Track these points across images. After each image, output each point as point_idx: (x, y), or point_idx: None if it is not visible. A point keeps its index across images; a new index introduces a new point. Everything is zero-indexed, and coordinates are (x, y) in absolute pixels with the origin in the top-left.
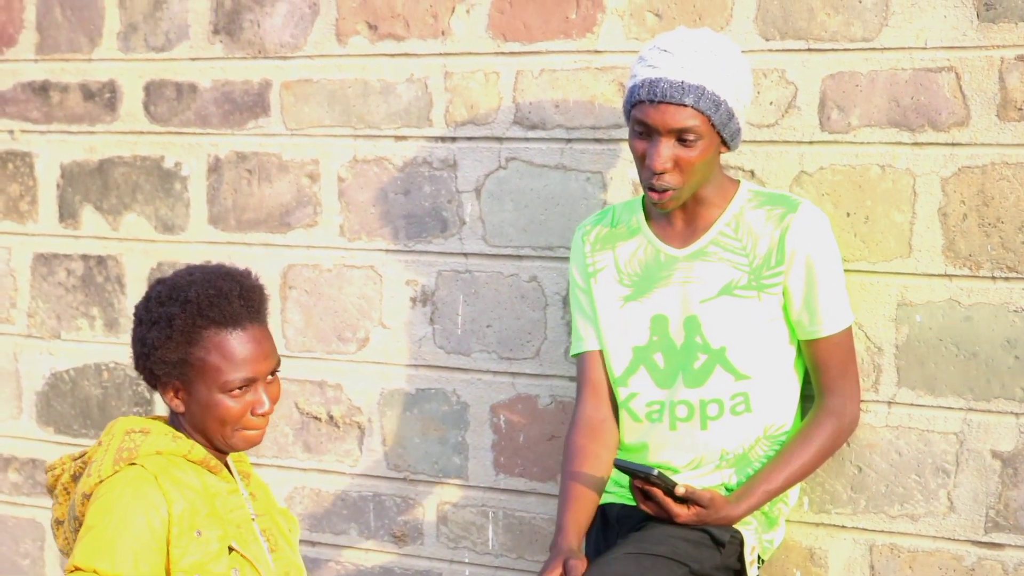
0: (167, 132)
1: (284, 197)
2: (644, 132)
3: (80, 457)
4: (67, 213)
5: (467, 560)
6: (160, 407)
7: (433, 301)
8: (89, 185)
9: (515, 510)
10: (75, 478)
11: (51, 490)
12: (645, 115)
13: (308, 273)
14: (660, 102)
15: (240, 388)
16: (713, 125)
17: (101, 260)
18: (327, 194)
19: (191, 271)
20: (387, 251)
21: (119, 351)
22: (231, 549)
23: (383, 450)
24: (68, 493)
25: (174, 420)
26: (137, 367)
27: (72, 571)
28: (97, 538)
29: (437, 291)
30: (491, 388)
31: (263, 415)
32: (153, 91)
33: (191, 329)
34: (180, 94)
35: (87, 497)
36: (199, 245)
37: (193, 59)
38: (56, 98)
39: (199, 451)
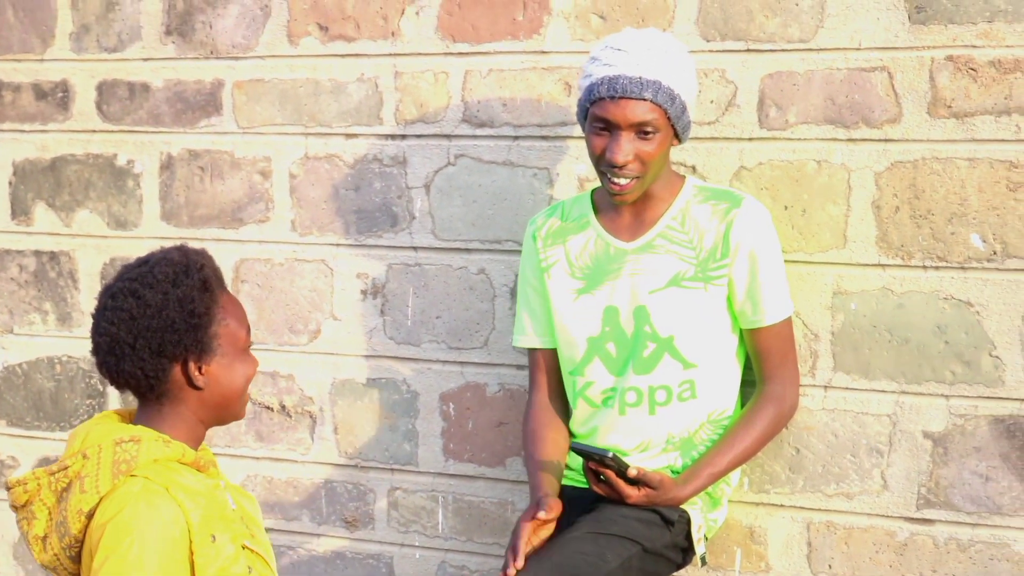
0: (120, 131)
1: (236, 193)
2: (604, 128)
3: (59, 471)
4: (19, 210)
5: (417, 544)
6: (113, 400)
7: (383, 293)
8: (41, 182)
9: (464, 494)
10: (57, 493)
11: (22, 506)
12: (605, 111)
13: (260, 267)
14: (620, 97)
15: (249, 347)
16: (669, 118)
17: (54, 256)
18: (279, 190)
19: (164, 253)
20: (338, 245)
21: (72, 345)
22: (245, 547)
23: (335, 438)
24: (47, 508)
25: (143, 420)
26: (142, 357)
27: None
28: (121, 561)
29: (387, 283)
30: (440, 377)
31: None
32: (106, 90)
33: (212, 300)
34: (133, 93)
35: (86, 515)
36: (152, 240)
37: (145, 59)
38: (8, 97)
39: (190, 453)
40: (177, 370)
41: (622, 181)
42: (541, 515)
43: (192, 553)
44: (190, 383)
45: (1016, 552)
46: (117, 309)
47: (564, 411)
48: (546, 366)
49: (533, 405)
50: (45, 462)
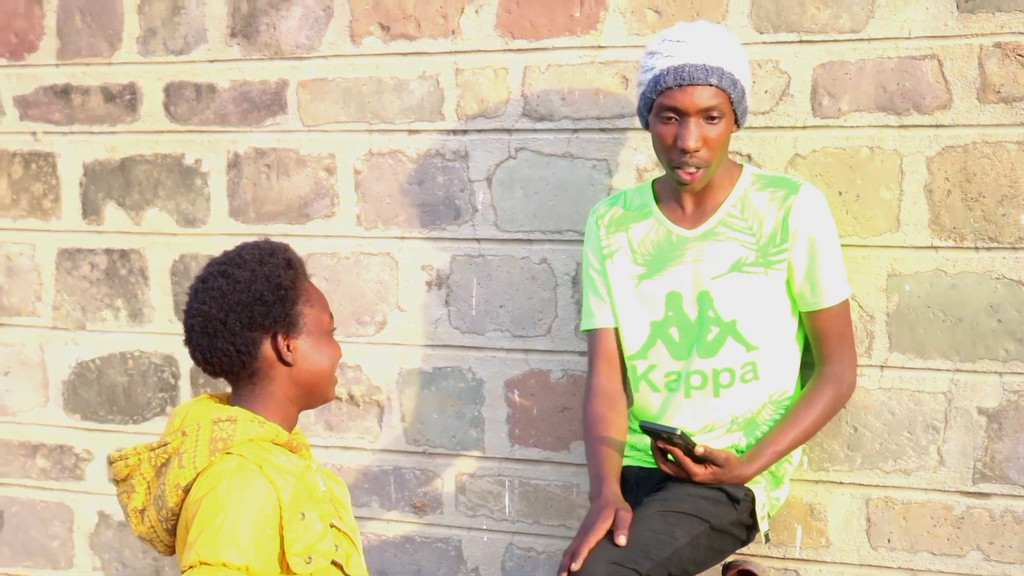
0: (187, 131)
1: (302, 190)
2: (673, 116)
3: (159, 447)
4: (90, 209)
5: (485, 527)
6: (184, 394)
7: (448, 284)
8: (111, 182)
9: (530, 478)
10: (156, 468)
11: (122, 479)
12: (674, 100)
13: (327, 261)
14: (688, 84)
15: (332, 331)
16: (731, 103)
17: (124, 254)
18: (344, 186)
19: (250, 242)
20: (403, 238)
21: (144, 340)
22: (332, 526)
23: (402, 426)
24: (146, 482)
25: (238, 402)
26: (234, 332)
27: (198, 566)
28: (218, 531)
29: (452, 275)
30: (505, 365)
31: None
32: (173, 92)
33: (296, 277)
34: (199, 94)
35: (183, 489)
36: (220, 237)
37: (211, 61)
38: (78, 100)
39: (283, 434)
40: (267, 345)
41: (691, 168)
42: (621, 541)
43: (282, 528)
44: (280, 359)
45: None
46: (208, 290)
47: (624, 394)
48: (609, 349)
49: (592, 389)
50: None
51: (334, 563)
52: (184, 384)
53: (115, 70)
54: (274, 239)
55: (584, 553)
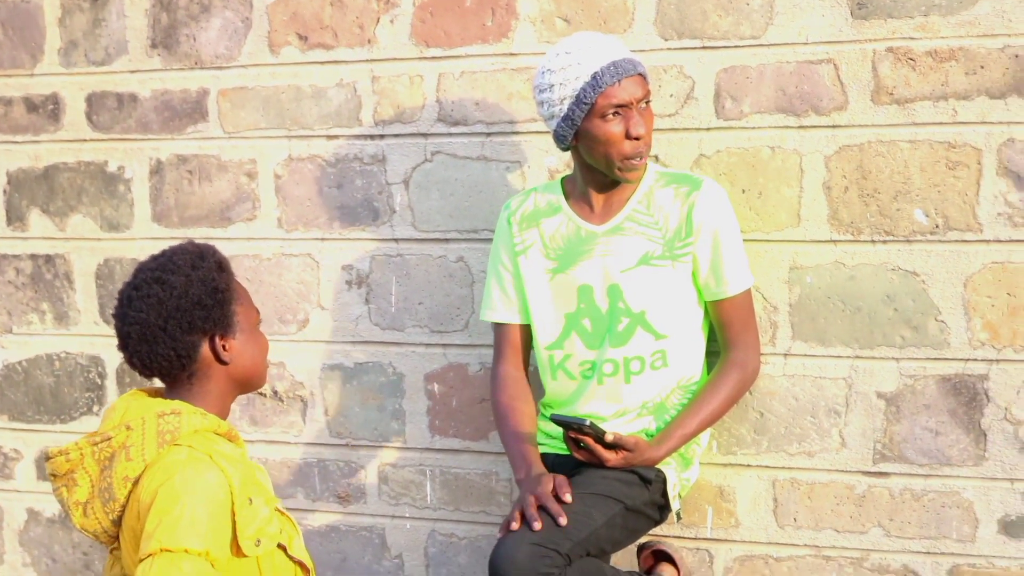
0: (109, 139)
1: (224, 194)
2: (617, 111)
3: (102, 442)
4: (14, 216)
5: (408, 515)
6: (111, 393)
7: (368, 283)
8: (35, 190)
9: (450, 467)
10: (100, 462)
11: (63, 474)
12: (617, 95)
13: (249, 263)
14: (624, 78)
15: (259, 324)
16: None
17: (49, 259)
18: (265, 190)
19: (177, 246)
20: (323, 239)
21: (70, 342)
22: (276, 510)
23: (325, 420)
24: (90, 476)
25: (175, 397)
26: (174, 337)
27: (159, 553)
28: (178, 520)
29: (371, 274)
30: (424, 359)
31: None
32: (95, 101)
33: (228, 279)
34: (121, 103)
35: (132, 481)
36: (144, 241)
37: (132, 71)
38: (0, 111)
39: (225, 424)
40: (205, 347)
41: (638, 158)
42: (568, 498)
43: (234, 514)
44: (218, 359)
45: (965, 499)
46: (144, 297)
47: (527, 383)
48: (512, 340)
49: (501, 376)
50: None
51: (279, 546)
52: (110, 384)
53: (37, 81)
54: (198, 241)
55: (534, 508)
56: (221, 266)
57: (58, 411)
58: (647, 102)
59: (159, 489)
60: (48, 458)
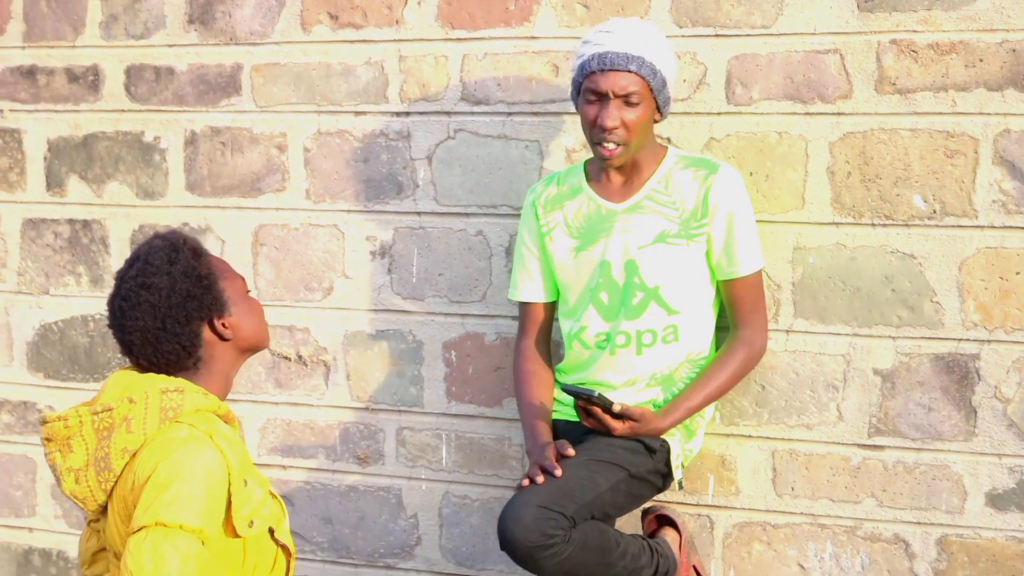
0: (146, 110)
1: (255, 166)
2: (595, 99)
3: (103, 412)
4: (54, 182)
5: (423, 477)
6: None
7: (391, 254)
8: (74, 157)
9: (465, 432)
10: (99, 432)
11: (60, 439)
12: (596, 83)
13: (277, 232)
14: (609, 70)
15: (248, 291)
16: (651, 90)
17: (86, 224)
18: (294, 163)
19: (148, 246)
20: (349, 211)
21: (104, 304)
22: (269, 492)
23: (347, 384)
24: (85, 443)
25: (181, 375)
26: (176, 333)
27: (153, 526)
28: (175, 496)
29: (394, 245)
30: (443, 328)
31: None
32: (133, 74)
33: (207, 262)
34: (158, 76)
35: (130, 453)
36: (177, 209)
37: (170, 46)
38: (43, 80)
39: (224, 405)
40: (206, 330)
41: (610, 146)
42: (570, 452)
43: (229, 495)
44: (220, 338)
45: (955, 472)
46: (135, 307)
47: (549, 356)
48: (536, 317)
49: (523, 350)
50: None
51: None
52: None
53: (79, 53)
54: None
55: (542, 473)
56: (196, 252)
57: (91, 370)
58: (633, 101)
59: (158, 464)
60: (44, 422)
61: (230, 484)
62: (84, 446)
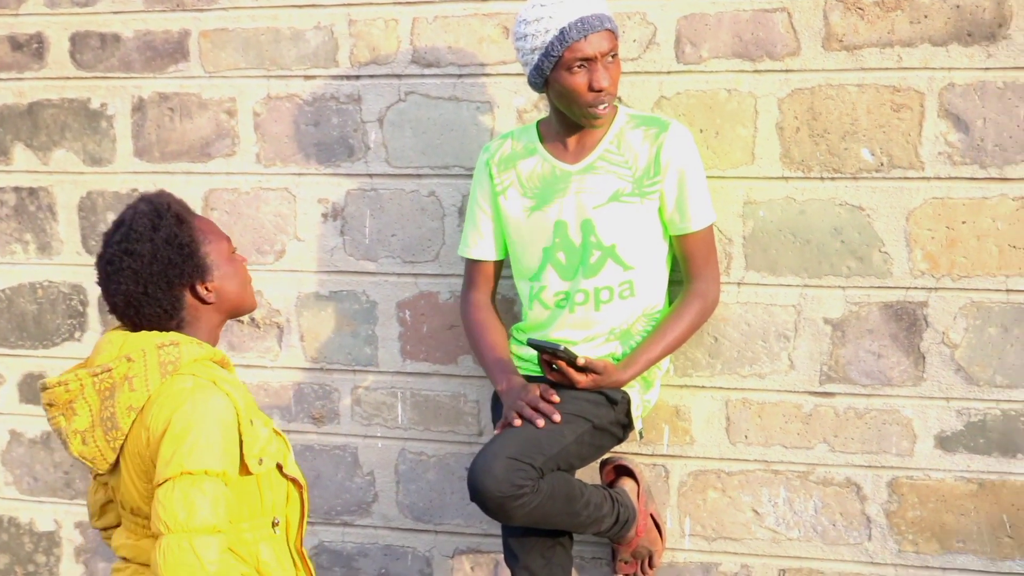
0: (93, 77)
1: (204, 131)
2: (582, 64)
3: (102, 373)
4: None
5: (379, 435)
6: (93, 320)
7: (343, 216)
8: (19, 125)
9: (421, 390)
10: (101, 392)
11: (62, 403)
12: (582, 50)
13: (228, 196)
14: (591, 33)
15: (234, 251)
16: (618, 42)
17: (33, 191)
18: (244, 127)
19: (133, 209)
20: (300, 175)
21: (52, 271)
22: (273, 430)
23: (301, 346)
24: (88, 405)
25: (166, 327)
26: (158, 298)
27: (179, 476)
28: (195, 444)
29: (346, 207)
30: (397, 288)
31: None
32: (78, 41)
33: (190, 228)
34: (104, 43)
35: (136, 410)
36: (125, 175)
37: (116, 12)
38: None
39: (219, 352)
40: (188, 295)
41: (603, 107)
42: (556, 398)
43: (240, 436)
44: (203, 301)
45: (904, 417)
46: (119, 272)
47: (497, 311)
48: (486, 274)
49: (473, 302)
50: (30, 377)
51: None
52: (92, 311)
53: (22, 20)
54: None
55: (518, 421)
56: (180, 217)
57: (41, 337)
58: (614, 55)
59: (171, 417)
60: (45, 388)
61: (239, 425)
62: (87, 408)
